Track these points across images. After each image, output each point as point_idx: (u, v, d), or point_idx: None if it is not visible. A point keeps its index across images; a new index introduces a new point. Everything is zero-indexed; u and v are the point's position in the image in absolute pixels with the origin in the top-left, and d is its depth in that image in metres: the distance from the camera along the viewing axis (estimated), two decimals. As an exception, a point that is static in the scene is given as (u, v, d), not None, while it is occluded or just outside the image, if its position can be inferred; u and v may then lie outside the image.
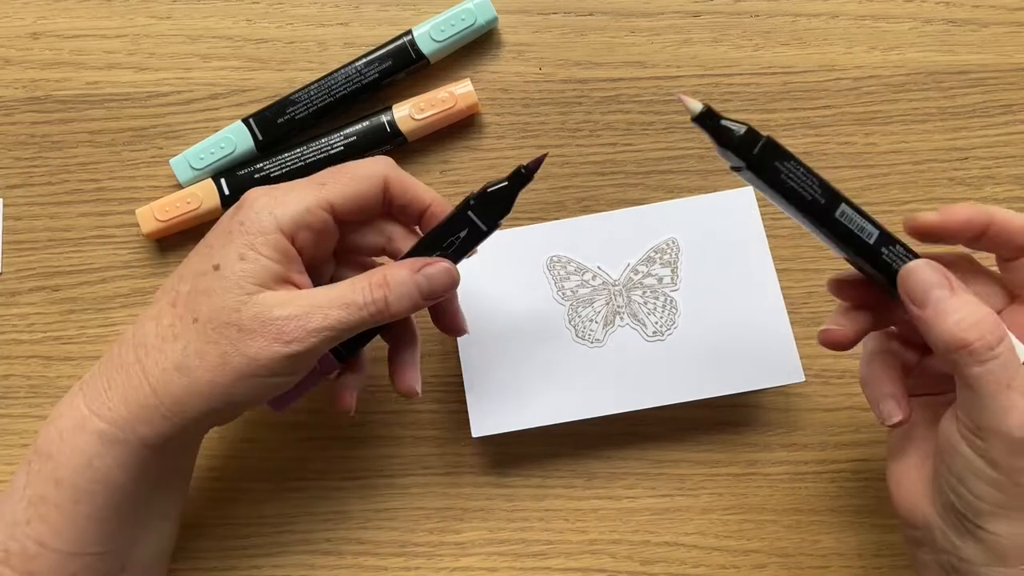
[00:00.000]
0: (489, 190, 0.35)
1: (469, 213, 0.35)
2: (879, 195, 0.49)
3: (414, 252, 0.36)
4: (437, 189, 0.47)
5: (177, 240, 0.49)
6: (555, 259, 0.45)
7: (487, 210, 0.35)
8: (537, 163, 0.35)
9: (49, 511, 0.33)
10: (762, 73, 0.49)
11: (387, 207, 0.38)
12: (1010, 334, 0.31)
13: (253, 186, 0.46)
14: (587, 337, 0.44)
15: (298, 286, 0.35)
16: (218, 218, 0.49)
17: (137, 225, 0.48)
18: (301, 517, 0.46)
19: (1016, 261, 0.34)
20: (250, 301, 0.33)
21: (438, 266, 0.35)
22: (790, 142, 0.48)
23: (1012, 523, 0.31)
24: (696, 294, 0.44)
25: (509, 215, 0.36)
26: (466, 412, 0.45)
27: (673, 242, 0.45)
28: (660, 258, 0.45)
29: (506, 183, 0.35)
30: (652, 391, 0.43)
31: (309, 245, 0.35)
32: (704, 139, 0.44)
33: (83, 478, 0.33)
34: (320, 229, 0.35)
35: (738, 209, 0.45)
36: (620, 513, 0.46)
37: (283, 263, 0.34)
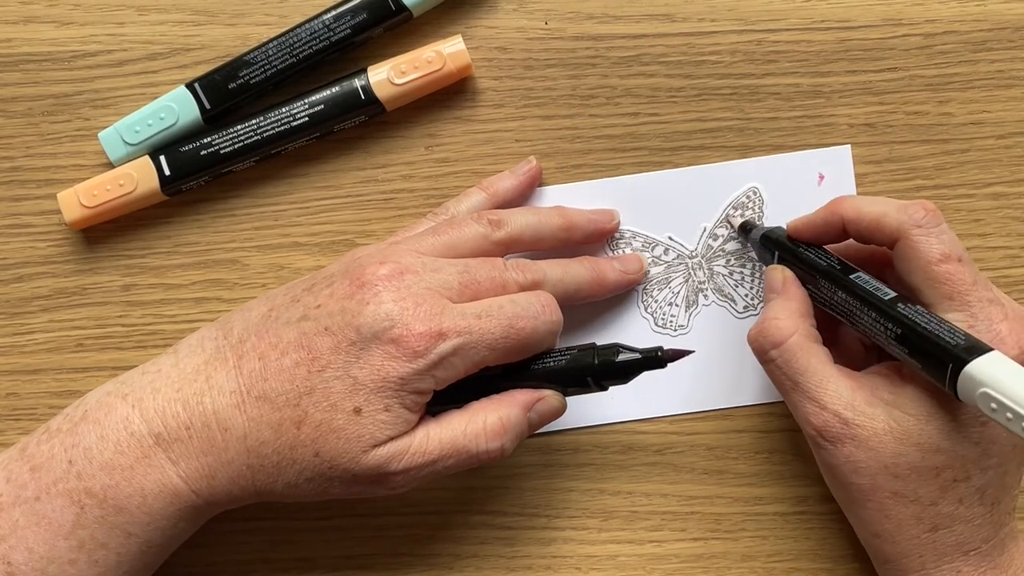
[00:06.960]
0: (617, 360, 0.37)
1: (588, 379, 0.38)
2: (956, 175, 0.46)
3: (517, 375, 0.38)
4: (423, 168, 0.46)
5: (108, 230, 0.46)
6: (616, 235, 0.44)
7: (604, 375, 0.38)
8: (678, 355, 0.37)
9: (108, 556, 0.36)
10: (814, 28, 0.46)
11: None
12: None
13: (199, 165, 0.45)
14: (669, 324, 0.44)
15: (415, 419, 0.37)
16: (156, 203, 0.45)
17: (59, 212, 0.46)
18: (256, 566, 0.45)
19: (895, 248, 0.37)
20: (372, 453, 0.36)
21: (549, 403, 0.38)
22: (848, 111, 0.46)
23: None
24: None
25: None
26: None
27: (755, 192, 0.44)
28: (741, 215, 0.44)
29: (639, 356, 0.37)
30: (753, 383, 0.43)
31: None
32: (744, 109, 0.45)
33: (162, 536, 0.37)
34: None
35: (830, 172, 0.43)
36: (643, 560, 0.45)
37: (419, 411, 0.37)
